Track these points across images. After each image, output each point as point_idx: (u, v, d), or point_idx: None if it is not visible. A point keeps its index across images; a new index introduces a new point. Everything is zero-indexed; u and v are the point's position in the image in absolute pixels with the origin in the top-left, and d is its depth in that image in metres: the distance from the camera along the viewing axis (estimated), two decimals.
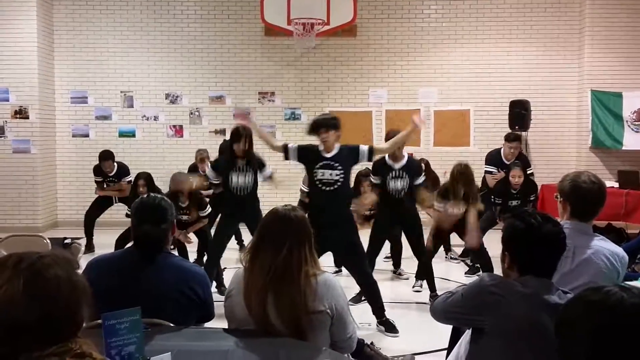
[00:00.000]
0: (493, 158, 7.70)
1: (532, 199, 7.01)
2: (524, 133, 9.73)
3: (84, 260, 2.98)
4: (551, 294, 2.31)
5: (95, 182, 8.43)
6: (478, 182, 6.74)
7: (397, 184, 5.88)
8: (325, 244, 4.16)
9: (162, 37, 10.42)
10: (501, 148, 7.67)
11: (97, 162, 8.28)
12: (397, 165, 5.92)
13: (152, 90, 10.47)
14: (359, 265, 5.20)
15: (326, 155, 5.00)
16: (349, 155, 5.08)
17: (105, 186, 8.36)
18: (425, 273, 6.13)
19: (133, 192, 7.05)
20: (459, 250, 7.72)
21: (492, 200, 7.02)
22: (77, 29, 10.36)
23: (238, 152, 5.84)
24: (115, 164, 8.30)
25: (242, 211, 5.95)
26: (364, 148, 5.10)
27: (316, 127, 5.01)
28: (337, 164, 4.97)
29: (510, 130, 9.64)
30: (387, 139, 5.94)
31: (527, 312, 2.28)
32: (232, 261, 6.75)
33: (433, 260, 6.23)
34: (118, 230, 7.58)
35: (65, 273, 1.56)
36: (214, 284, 6.04)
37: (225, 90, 10.50)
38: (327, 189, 4.97)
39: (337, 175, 4.97)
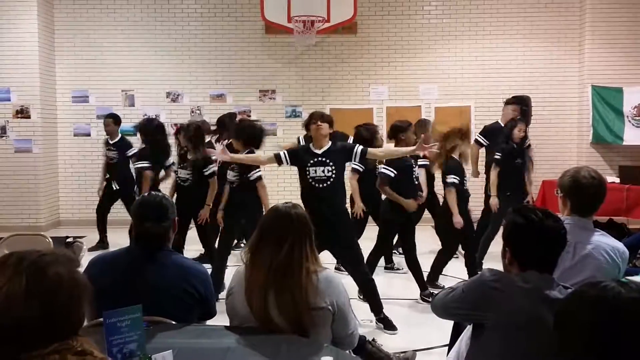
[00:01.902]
0: (495, 130, 7.64)
1: (527, 145, 7.03)
2: None
3: (86, 258, 2.98)
4: (552, 289, 2.31)
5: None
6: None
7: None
8: (321, 242, 4.17)
9: (163, 36, 10.43)
10: (497, 122, 7.75)
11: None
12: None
13: (153, 89, 10.48)
14: (356, 261, 5.17)
15: (317, 151, 5.04)
16: (342, 152, 5.09)
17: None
18: (415, 269, 5.97)
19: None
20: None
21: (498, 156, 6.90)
22: (78, 28, 10.37)
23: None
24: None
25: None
26: (357, 150, 5.07)
27: (311, 118, 5.22)
28: (328, 161, 4.99)
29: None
30: (390, 132, 5.96)
31: (528, 307, 2.28)
32: (231, 260, 6.76)
33: (432, 255, 6.28)
34: (123, 228, 7.59)
35: (66, 271, 1.57)
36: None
37: (226, 89, 10.51)
38: (320, 185, 4.99)
39: (329, 172, 4.99)
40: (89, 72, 10.40)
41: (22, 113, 9.83)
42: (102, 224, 8.47)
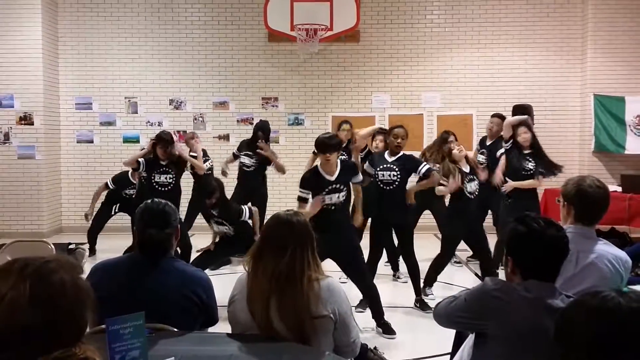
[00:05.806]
0: (482, 142, 8.00)
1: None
2: None
3: (87, 264, 2.98)
4: (554, 298, 2.31)
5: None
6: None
7: (387, 176, 5.79)
8: (326, 249, 4.15)
9: (166, 44, 10.46)
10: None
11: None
12: (392, 158, 5.85)
13: (156, 96, 10.51)
14: (360, 268, 5.23)
15: (330, 178, 5.08)
16: (349, 172, 5.25)
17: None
18: (413, 274, 5.99)
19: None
20: (462, 255, 7.72)
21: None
22: (82, 35, 10.41)
23: None
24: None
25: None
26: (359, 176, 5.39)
27: (323, 149, 5.01)
28: (341, 186, 5.10)
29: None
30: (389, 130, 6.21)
31: (530, 316, 2.27)
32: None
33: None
34: (120, 235, 7.63)
35: (70, 278, 1.57)
36: None
37: (229, 96, 10.53)
38: (333, 208, 5.09)
39: (342, 196, 5.12)
40: (92, 79, 10.44)
41: (26, 119, 9.85)
42: (94, 235, 8.52)
